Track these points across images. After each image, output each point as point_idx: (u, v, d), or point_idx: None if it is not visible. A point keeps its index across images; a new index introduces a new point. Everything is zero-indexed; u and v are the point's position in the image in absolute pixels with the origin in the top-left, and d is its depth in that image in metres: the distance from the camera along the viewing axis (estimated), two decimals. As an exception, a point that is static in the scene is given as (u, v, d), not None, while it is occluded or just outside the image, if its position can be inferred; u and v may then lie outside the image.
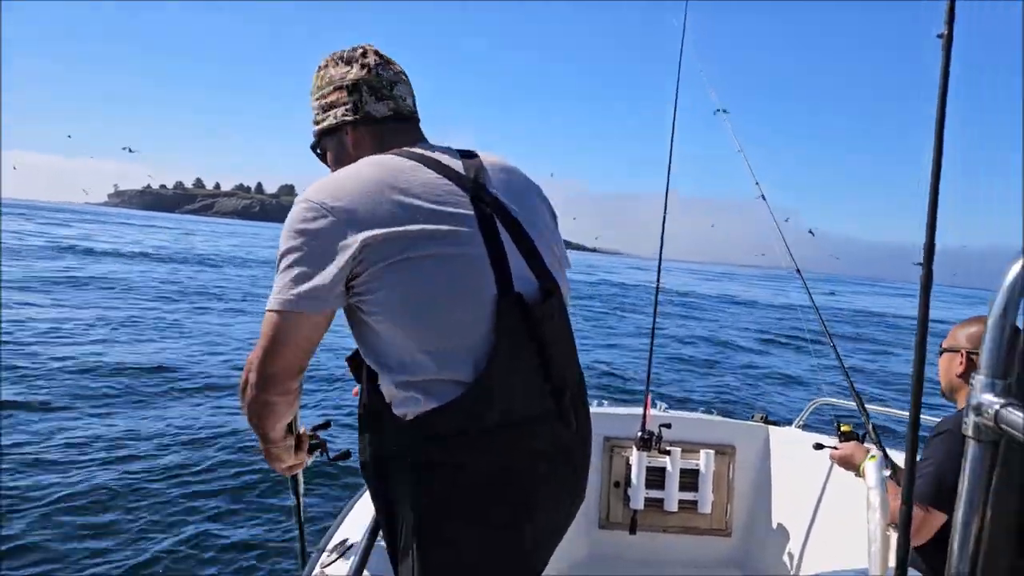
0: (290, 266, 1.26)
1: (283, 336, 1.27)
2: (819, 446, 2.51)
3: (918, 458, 1.56)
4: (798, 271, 2.83)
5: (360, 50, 1.51)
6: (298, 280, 1.25)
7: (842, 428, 2.41)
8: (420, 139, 1.51)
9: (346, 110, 1.48)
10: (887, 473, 1.97)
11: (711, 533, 3.11)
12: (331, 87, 1.49)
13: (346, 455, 1.81)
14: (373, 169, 1.34)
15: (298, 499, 2.02)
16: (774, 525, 3.07)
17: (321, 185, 1.33)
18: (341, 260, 1.26)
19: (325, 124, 1.51)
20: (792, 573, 2.90)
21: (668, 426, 3.01)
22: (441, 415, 1.26)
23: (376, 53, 1.52)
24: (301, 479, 1.96)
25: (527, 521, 1.32)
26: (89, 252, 29.38)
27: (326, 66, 1.52)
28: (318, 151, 1.57)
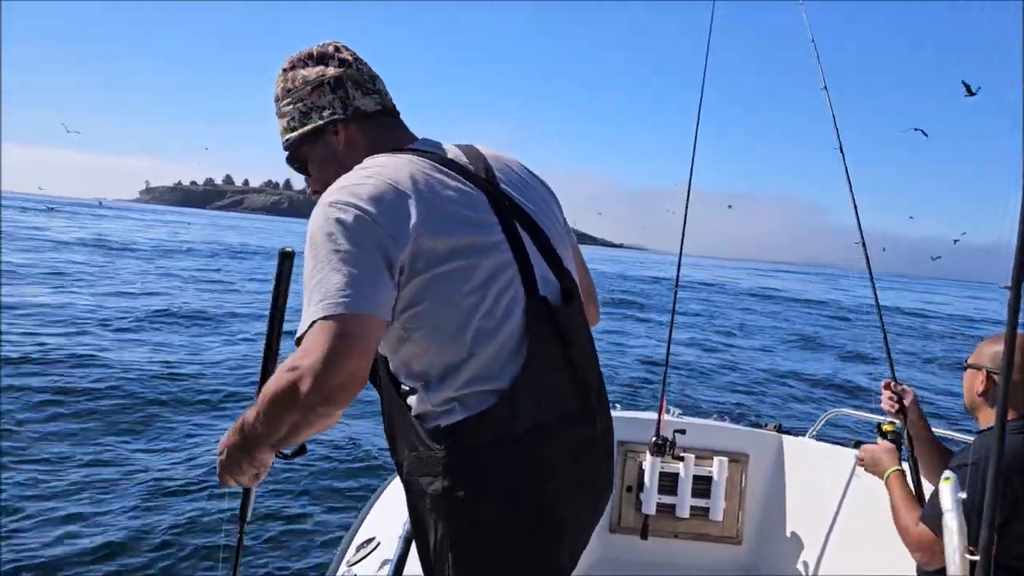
0: (335, 269, 1.13)
1: (354, 339, 1.11)
2: (858, 444, 2.48)
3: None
4: (864, 257, 2.67)
5: (331, 46, 1.42)
6: (357, 281, 1.12)
7: (883, 427, 2.27)
8: (411, 135, 1.45)
9: (333, 108, 1.38)
10: (958, 486, 1.62)
11: (722, 540, 3.10)
12: (308, 87, 1.39)
13: (302, 451, 1.62)
14: (398, 172, 1.25)
15: (243, 516, 1.76)
16: (786, 534, 3.06)
17: (349, 188, 1.21)
18: (389, 269, 1.17)
19: (309, 127, 1.39)
20: None
21: (682, 432, 3.00)
22: (476, 424, 1.23)
23: (347, 48, 1.43)
24: (254, 493, 1.75)
25: (555, 524, 1.30)
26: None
27: (292, 67, 1.41)
28: (295, 161, 1.46)
